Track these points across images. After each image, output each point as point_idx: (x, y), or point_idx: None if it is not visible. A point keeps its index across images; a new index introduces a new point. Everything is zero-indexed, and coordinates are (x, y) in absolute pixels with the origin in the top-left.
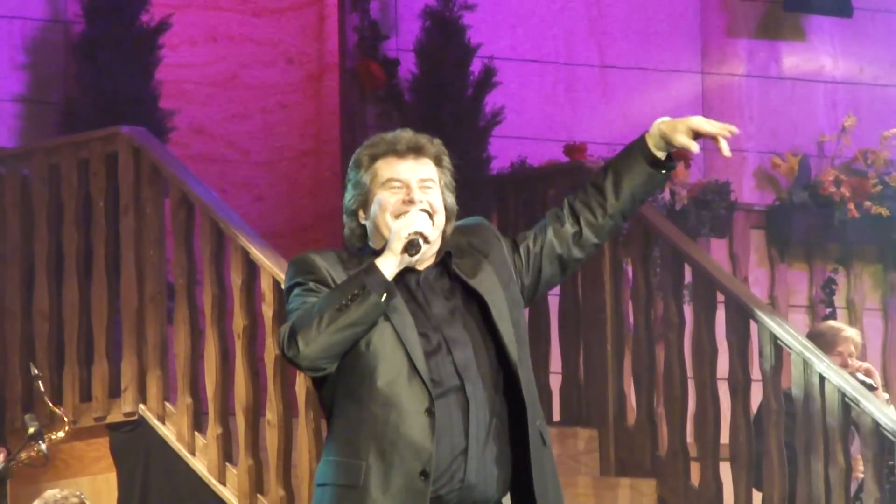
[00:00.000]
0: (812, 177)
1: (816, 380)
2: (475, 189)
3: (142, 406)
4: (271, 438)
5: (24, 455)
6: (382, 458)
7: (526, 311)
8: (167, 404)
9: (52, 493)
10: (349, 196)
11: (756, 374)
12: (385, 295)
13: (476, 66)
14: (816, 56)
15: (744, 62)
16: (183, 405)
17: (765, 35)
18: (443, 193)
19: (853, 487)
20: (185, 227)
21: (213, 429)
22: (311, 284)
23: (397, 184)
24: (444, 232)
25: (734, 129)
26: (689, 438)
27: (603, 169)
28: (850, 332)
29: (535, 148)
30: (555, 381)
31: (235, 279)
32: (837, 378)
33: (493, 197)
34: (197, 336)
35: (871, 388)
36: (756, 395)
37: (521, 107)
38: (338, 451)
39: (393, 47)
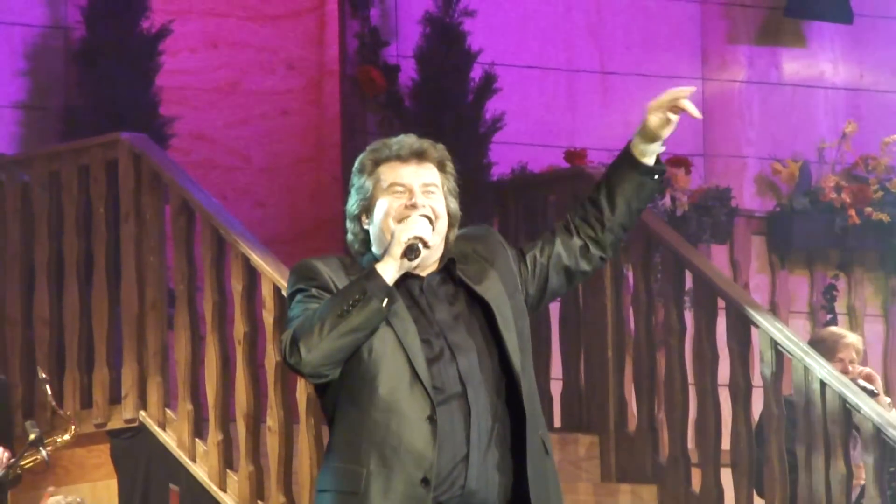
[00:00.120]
0: (813, 183)
1: (817, 386)
2: (476, 195)
3: (142, 412)
4: (272, 445)
5: (24, 461)
6: (383, 464)
7: None
8: (168, 411)
9: (53, 499)
10: (352, 201)
11: (757, 380)
12: (386, 300)
13: (476, 73)
14: (817, 62)
15: (744, 68)
16: (183, 411)
17: (765, 41)
18: (446, 198)
19: (854, 493)
20: (186, 233)
21: (214, 435)
22: (314, 291)
23: (400, 188)
24: (447, 237)
25: (688, 88)
26: (690, 444)
27: (597, 183)
28: (852, 339)
29: (536, 154)
30: (556, 387)
31: (236, 285)
32: (838, 384)
33: (493, 203)
34: (197, 342)
35: (872, 393)
36: (757, 402)
37: (522, 113)
38: (339, 458)
39: (393, 53)
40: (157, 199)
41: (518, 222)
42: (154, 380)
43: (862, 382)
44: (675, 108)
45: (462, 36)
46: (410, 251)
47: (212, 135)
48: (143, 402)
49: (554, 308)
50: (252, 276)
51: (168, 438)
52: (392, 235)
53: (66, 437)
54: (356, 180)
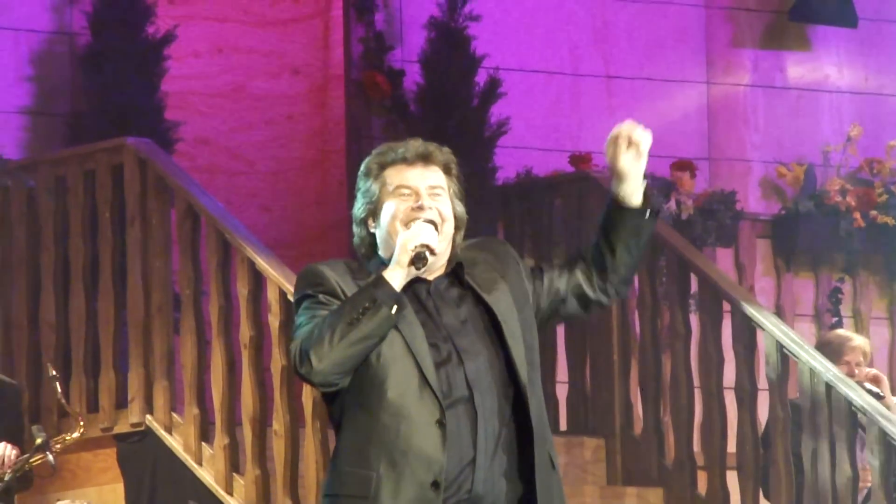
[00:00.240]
0: (818, 186)
1: (823, 388)
2: (481, 199)
3: (149, 416)
4: (278, 449)
5: (31, 465)
6: (393, 468)
7: None
8: (174, 415)
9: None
10: (358, 205)
11: (763, 383)
12: (395, 307)
13: (481, 77)
14: (821, 66)
15: (749, 72)
16: (190, 416)
17: (770, 45)
18: (452, 201)
19: (861, 496)
20: (192, 237)
21: (220, 439)
22: (321, 297)
23: (406, 191)
24: (453, 240)
25: (626, 124)
26: (696, 447)
27: (599, 227)
28: (859, 342)
29: (541, 158)
30: (561, 391)
31: (242, 290)
32: (844, 387)
33: (498, 207)
34: (203, 346)
35: (878, 396)
36: (763, 404)
37: (527, 117)
38: (347, 462)
39: (398, 58)
40: (163, 204)
41: (523, 226)
42: (160, 384)
43: (868, 385)
44: (627, 142)
45: (467, 40)
46: (418, 259)
47: (217, 139)
48: (149, 407)
49: None
50: (258, 281)
51: (174, 442)
52: (398, 243)
53: (76, 434)
54: (362, 184)
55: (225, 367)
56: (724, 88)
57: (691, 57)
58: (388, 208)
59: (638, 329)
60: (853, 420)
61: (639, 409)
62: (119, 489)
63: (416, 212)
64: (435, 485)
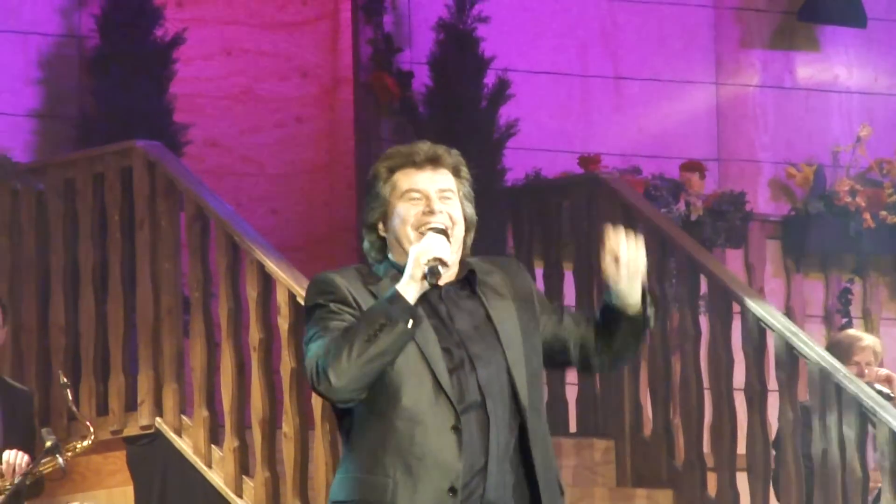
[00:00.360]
0: (827, 187)
1: (833, 390)
2: (490, 201)
3: (158, 419)
4: (288, 451)
5: (42, 467)
6: (410, 474)
7: None
8: (184, 417)
9: None
10: (368, 209)
11: (773, 384)
12: (411, 322)
13: (490, 79)
14: (831, 66)
15: (758, 73)
16: (199, 418)
17: (779, 45)
18: (462, 204)
19: (871, 497)
20: (201, 240)
21: (230, 441)
22: (332, 305)
23: (416, 195)
24: (464, 242)
25: (622, 243)
26: (706, 449)
27: (599, 318)
28: (869, 341)
29: (550, 159)
30: (571, 393)
31: (251, 292)
32: (854, 388)
33: (507, 209)
34: (213, 349)
35: (888, 397)
36: (773, 406)
37: (536, 119)
38: (361, 468)
39: (407, 60)
40: (172, 207)
41: (532, 228)
42: (170, 386)
43: (878, 387)
44: (616, 261)
45: (475, 42)
46: (431, 274)
47: (226, 142)
48: (158, 409)
49: None
50: (267, 283)
51: (184, 445)
52: (410, 257)
53: (86, 442)
54: (371, 189)
55: (234, 370)
56: (733, 89)
57: (700, 58)
58: (399, 213)
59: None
60: (863, 421)
61: (648, 410)
62: (129, 492)
63: (426, 216)
64: (452, 490)
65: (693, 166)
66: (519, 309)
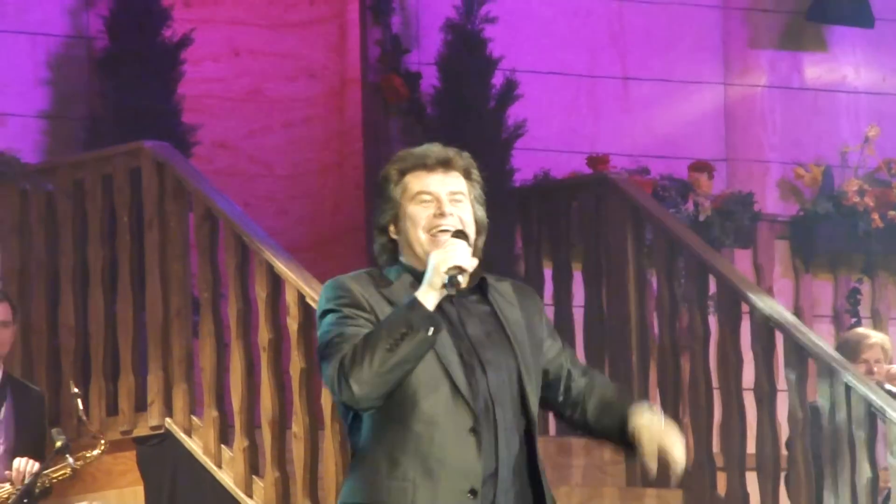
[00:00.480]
0: (836, 187)
1: (842, 389)
2: (498, 202)
3: (168, 419)
4: (298, 451)
5: (51, 469)
6: (429, 477)
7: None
8: (193, 417)
9: None
10: (379, 212)
11: (782, 383)
12: (432, 329)
13: (498, 79)
14: (839, 66)
15: (766, 73)
16: (209, 418)
17: (787, 46)
18: (473, 206)
19: (881, 497)
20: (210, 241)
21: (240, 442)
22: (346, 311)
23: (427, 197)
24: (475, 245)
25: (680, 463)
26: (715, 449)
27: (601, 405)
28: (877, 339)
29: (558, 160)
30: None
31: (260, 292)
32: (863, 387)
33: (516, 209)
34: (222, 349)
35: None
36: (782, 405)
37: (544, 119)
38: (377, 471)
39: (415, 61)
40: (181, 207)
41: (541, 228)
42: (180, 387)
43: (888, 386)
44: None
45: (483, 43)
46: (451, 284)
47: (234, 143)
48: (168, 409)
49: (578, 313)
50: (276, 283)
51: (194, 445)
52: (431, 265)
53: (96, 451)
54: (382, 191)
55: (244, 370)
56: (741, 89)
57: (708, 58)
58: (410, 215)
59: (656, 330)
60: (872, 420)
61: (658, 410)
62: (139, 492)
63: (437, 218)
64: (472, 492)
65: (701, 166)
66: (528, 321)
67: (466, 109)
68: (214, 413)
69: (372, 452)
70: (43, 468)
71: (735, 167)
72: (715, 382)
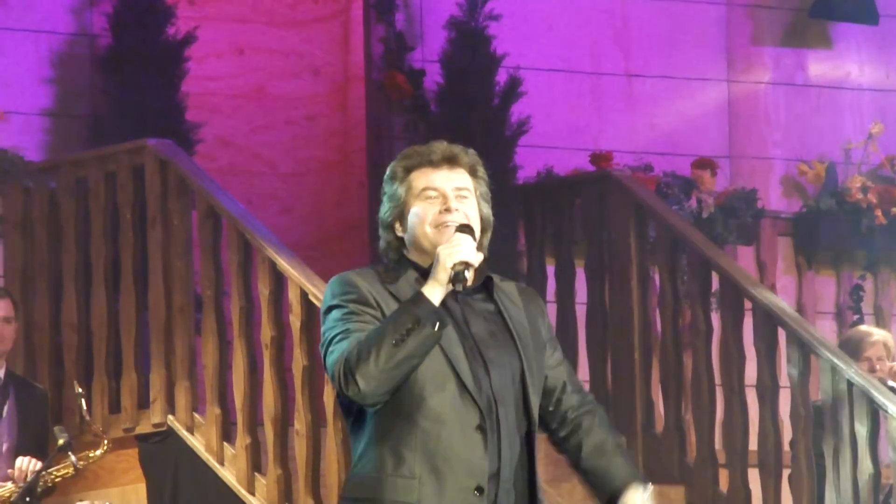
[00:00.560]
0: (839, 184)
1: (845, 386)
2: (501, 198)
3: (170, 417)
4: (300, 448)
5: (54, 469)
6: (436, 474)
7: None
8: (196, 415)
9: None
10: (385, 209)
11: (784, 380)
12: (438, 324)
13: (502, 77)
14: (842, 63)
15: (770, 70)
16: (212, 416)
17: (790, 43)
18: (478, 203)
19: (882, 493)
20: (213, 238)
21: (242, 439)
22: (353, 306)
23: (433, 193)
24: (480, 242)
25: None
26: (718, 445)
27: (599, 452)
28: (879, 336)
29: (562, 157)
30: None
31: (263, 290)
32: (866, 384)
33: (519, 206)
34: (225, 347)
35: None
36: (784, 402)
37: (548, 116)
38: (383, 467)
39: (419, 58)
40: (184, 205)
41: (544, 225)
42: (182, 384)
43: (891, 383)
44: None
45: (487, 40)
46: (457, 279)
47: (237, 140)
48: (171, 407)
49: (580, 310)
50: (279, 281)
51: (196, 442)
52: (438, 260)
53: (99, 452)
54: (388, 188)
55: (246, 368)
56: (744, 86)
57: (712, 55)
58: (416, 212)
59: (659, 327)
60: (874, 417)
61: (660, 407)
62: (141, 489)
63: (443, 214)
64: (479, 490)
65: (705, 163)
66: (532, 323)
67: (470, 107)
68: (217, 410)
69: (376, 448)
70: (45, 466)
71: (738, 164)
72: (717, 379)
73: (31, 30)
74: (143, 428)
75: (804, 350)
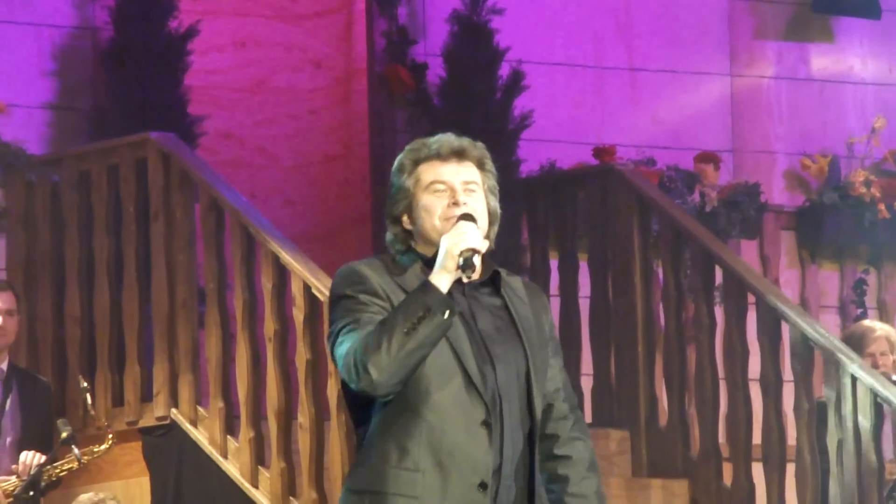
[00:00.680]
0: (842, 178)
1: (848, 380)
2: (504, 192)
3: (174, 410)
4: (303, 441)
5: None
6: (440, 468)
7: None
8: (199, 408)
9: (86, 496)
10: (392, 201)
11: (788, 374)
12: (448, 312)
13: (504, 70)
14: (845, 57)
15: (772, 64)
16: (215, 409)
17: (793, 37)
18: (486, 197)
19: (886, 488)
20: (216, 231)
21: (246, 432)
22: (362, 297)
23: (441, 186)
24: (487, 235)
25: None
26: (721, 439)
27: (575, 488)
28: (882, 331)
29: (565, 151)
30: (586, 383)
31: (266, 283)
32: (869, 378)
33: (522, 200)
34: (228, 340)
35: None
36: (788, 396)
37: (550, 110)
38: (387, 459)
39: (421, 52)
40: (187, 198)
41: (547, 219)
42: (185, 377)
43: (895, 377)
44: None
45: (490, 34)
46: (466, 266)
47: (240, 134)
48: (174, 400)
49: (584, 304)
50: (282, 274)
51: (200, 436)
52: (444, 248)
53: (104, 446)
54: (395, 180)
55: (250, 361)
56: (747, 80)
57: (715, 49)
58: (424, 205)
59: (663, 321)
60: (878, 411)
61: (664, 401)
62: (145, 482)
63: (451, 208)
64: (482, 485)
65: (708, 157)
66: (537, 320)
67: (473, 100)
68: (220, 404)
69: (381, 441)
70: (49, 460)
71: (741, 158)
72: (721, 373)
73: (33, 23)
74: (147, 421)
75: (807, 344)
